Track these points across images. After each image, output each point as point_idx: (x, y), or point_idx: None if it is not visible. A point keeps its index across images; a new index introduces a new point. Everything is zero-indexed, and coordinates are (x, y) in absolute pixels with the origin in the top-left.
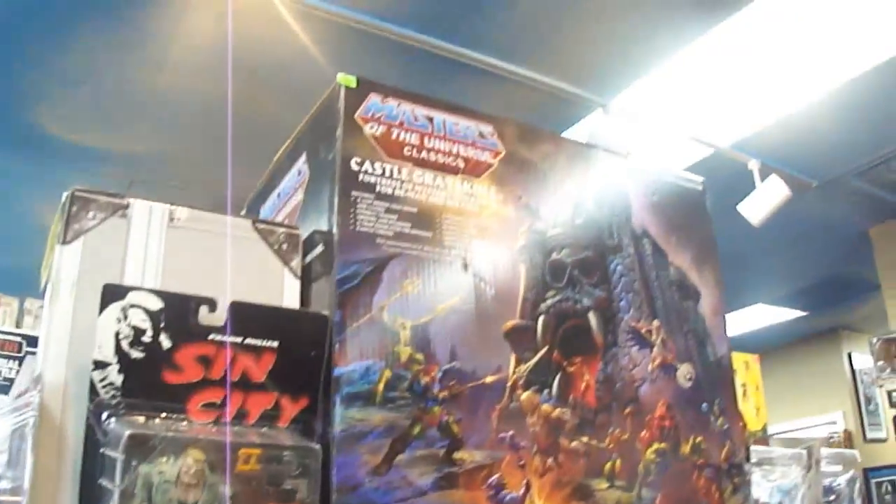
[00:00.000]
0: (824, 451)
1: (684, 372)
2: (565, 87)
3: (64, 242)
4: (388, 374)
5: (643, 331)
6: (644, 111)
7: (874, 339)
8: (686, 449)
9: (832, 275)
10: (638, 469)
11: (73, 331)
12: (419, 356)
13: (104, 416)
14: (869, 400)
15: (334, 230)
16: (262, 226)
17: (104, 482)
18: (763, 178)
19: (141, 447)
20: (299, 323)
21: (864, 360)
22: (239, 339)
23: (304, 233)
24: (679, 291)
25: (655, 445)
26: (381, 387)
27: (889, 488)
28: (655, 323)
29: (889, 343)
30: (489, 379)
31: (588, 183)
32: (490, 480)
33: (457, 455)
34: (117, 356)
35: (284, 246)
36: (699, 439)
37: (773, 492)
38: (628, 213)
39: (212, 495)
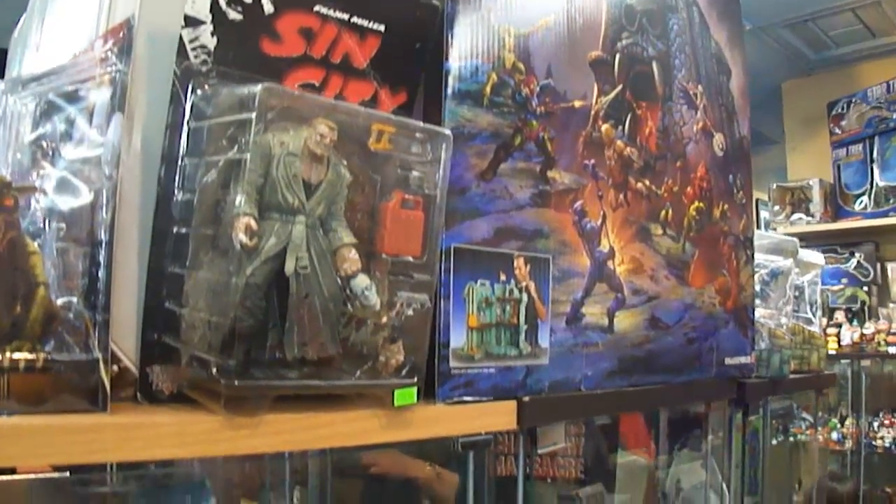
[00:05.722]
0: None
1: (718, 141)
2: None
3: None
4: (494, 77)
5: (691, 92)
6: None
7: (773, 186)
8: (717, 213)
9: None
10: (683, 222)
11: None
12: (521, 65)
13: (191, 84)
14: None
15: None
16: None
17: (191, 160)
18: None
19: (265, 111)
20: (410, 9)
21: None
22: (346, 17)
23: None
24: (717, 64)
25: (696, 203)
26: (488, 89)
27: None
28: (700, 88)
29: (785, 191)
30: (577, 103)
31: None
32: (575, 205)
33: (549, 173)
34: (212, 14)
35: None
36: (726, 207)
37: (760, 271)
38: None
39: (336, 175)
